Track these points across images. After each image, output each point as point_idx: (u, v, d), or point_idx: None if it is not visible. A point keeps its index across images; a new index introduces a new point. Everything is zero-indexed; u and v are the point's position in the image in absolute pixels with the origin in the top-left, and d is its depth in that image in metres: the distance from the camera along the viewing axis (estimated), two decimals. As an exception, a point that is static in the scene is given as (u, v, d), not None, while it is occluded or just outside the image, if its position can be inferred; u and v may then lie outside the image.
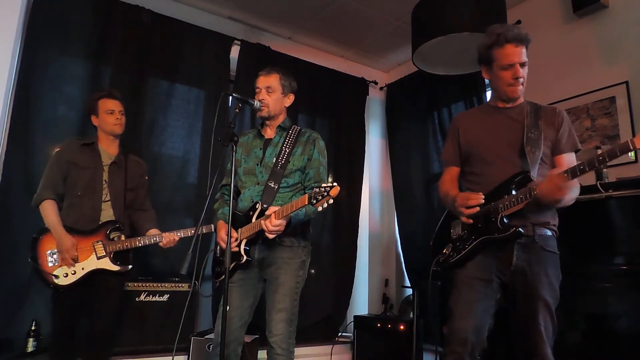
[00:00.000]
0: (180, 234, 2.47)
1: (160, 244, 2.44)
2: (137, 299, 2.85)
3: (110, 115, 2.45)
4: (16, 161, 2.74)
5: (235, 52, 3.68)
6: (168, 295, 2.94)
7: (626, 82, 2.72)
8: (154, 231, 2.50)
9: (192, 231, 2.47)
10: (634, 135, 2.61)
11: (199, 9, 3.66)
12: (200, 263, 2.09)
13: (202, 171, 3.40)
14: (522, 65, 1.87)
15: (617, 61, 2.81)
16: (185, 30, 3.48)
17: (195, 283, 1.95)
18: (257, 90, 2.19)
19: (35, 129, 2.85)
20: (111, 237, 2.37)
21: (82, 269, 2.28)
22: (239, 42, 3.70)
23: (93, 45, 3.13)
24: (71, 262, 2.25)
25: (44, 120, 2.88)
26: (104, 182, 2.41)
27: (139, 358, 2.76)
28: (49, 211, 2.28)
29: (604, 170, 2.46)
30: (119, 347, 2.72)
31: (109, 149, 2.49)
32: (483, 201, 1.84)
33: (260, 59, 3.67)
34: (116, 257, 2.35)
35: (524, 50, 1.86)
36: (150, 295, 2.89)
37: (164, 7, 3.41)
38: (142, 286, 2.89)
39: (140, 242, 2.40)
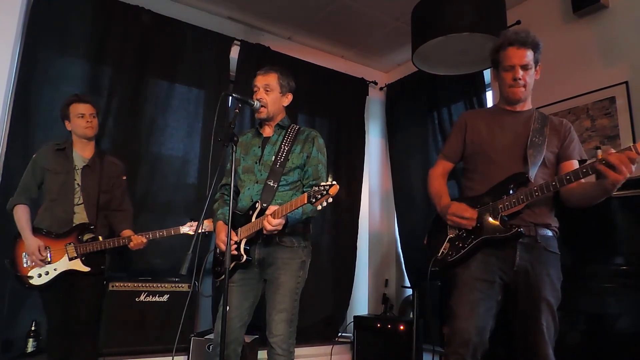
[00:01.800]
0: (149, 235, 2.51)
1: (129, 245, 2.48)
2: (137, 299, 2.85)
3: (81, 119, 2.50)
4: (16, 161, 2.73)
5: (235, 52, 3.68)
6: (168, 295, 2.94)
7: (626, 83, 2.72)
8: (127, 232, 2.54)
9: (161, 233, 2.51)
10: (633, 135, 2.64)
11: (199, 9, 3.66)
12: (200, 263, 2.09)
13: (202, 171, 3.40)
14: (524, 67, 1.88)
15: (617, 61, 2.81)
16: (185, 31, 3.48)
17: (195, 283, 1.95)
18: (255, 89, 2.19)
19: (35, 129, 2.86)
20: (84, 239, 2.43)
21: (55, 269, 2.38)
22: (239, 42, 3.70)
23: (93, 46, 3.13)
24: (40, 263, 2.34)
25: (44, 121, 2.88)
26: (76, 186, 2.46)
27: (139, 358, 2.76)
28: (20, 215, 2.39)
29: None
30: (119, 347, 2.73)
31: (83, 153, 2.55)
32: (475, 217, 1.86)
33: (260, 59, 3.67)
34: (88, 259, 2.42)
35: (527, 53, 1.87)
36: (150, 296, 2.89)
37: (164, 8, 3.41)
38: (142, 286, 2.89)
39: (109, 243, 2.46)
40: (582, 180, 1.68)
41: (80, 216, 2.45)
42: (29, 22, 2.91)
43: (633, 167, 1.54)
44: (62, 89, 2.95)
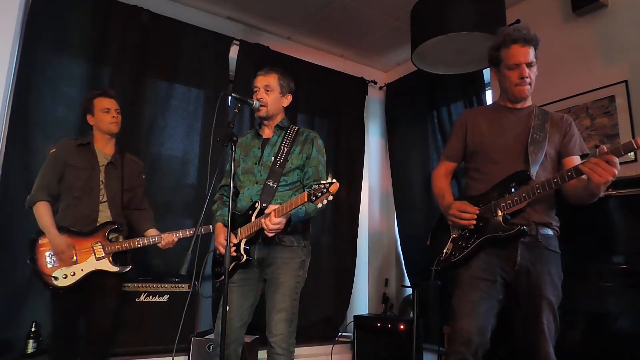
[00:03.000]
0: (179, 234, 2.47)
1: (159, 244, 2.44)
2: (137, 300, 2.85)
3: (106, 114, 2.44)
4: (15, 162, 2.73)
5: (234, 52, 3.67)
6: (168, 295, 2.94)
7: (625, 81, 2.72)
8: (152, 231, 2.50)
9: (191, 232, 2.47)
10: (633, 134, 2.64)
11: (198, 9, 3.65)
12: (200, 263, 2.09)
13: (202, 171, 3.40)
14: (529, 65, 1.88)
15: (617, 60, 2.81)
16: (184, 31, 3.47)
17: (195, 283, 1.94)
18: (256, 89, 2.19)
19: (34, 129, 2.85)
20: (110, 238, 2.37)
21: (82, 270, 2.29)
22: (238, 42, 3.70)
23: (92, 46, 3.12)
24: (70, 261, 2.25)
25: (43, 121, 2.87)
26: (100, 183, 2.40)
27: (139, 358, 2.76)
28: (43, 213, 2.27)
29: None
30: (119, 348, 2.72)
31: (105, 149, 2.49)
32: (475, 215, 1.87)
33: (259, 58, 3.66)
34: (115, 258, 2.36)
35: (530, 50, 1.87)
36: (151, 296, 2.89)
37: (163, 7, 3.41)
38: (142, 287, 2.89)
39: (139, 242, 2.39)
40: (584, 177, 1.68)
41: (104, 214, 2.38)
42: (28, 22, 2.90)
43: (616, 170, 1.57)
44: (62, 89, 2.95)
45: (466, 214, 1.88)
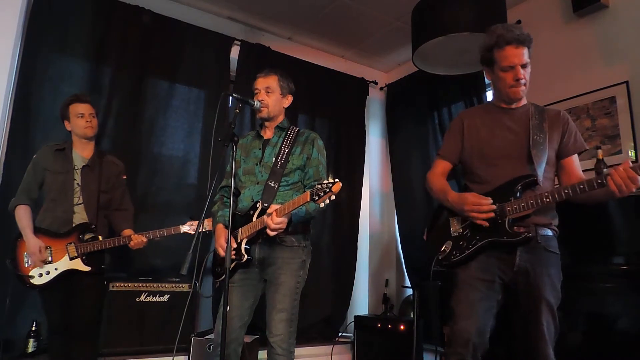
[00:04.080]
0: (149, 235, 2.51)
1: (130, 244, 2.49)
2: (137, 299, 2.85)
3: (80, 119, 2.50)
4: (16, 162, 2.74)
5: (235, 52, 3.68)
6: (168, 295, 2.94)
7: (626, 82, 2.72)
8: (128, 231, 2.55)
9: (162, 232, 2.52)
10: (634, 135, 2.64)
11: (199, 9, 3.66)
12: (200, 263, 2.09)
13: (202, 172, 3.40)
14: (524, 66, 1.85)
15: (617, 61, 2.81)
16: (185, 31, 3.48)
17: (195, 283, 1.95)
18: (256, 91, 2.20)
19: (35, 129, 2.86)
20: (85, 239, 2.44)
21: (56, 269, 2.39)
22: (239, 43, 3.70)
23: (93, 46, 3.13)
24: (40, 263, 2.34)
25: (44, 121, 2.88)
26: (76, 186, 2.47)
27: (139, 358, 2.76)
28: (21, 216, 2.40)
29: (604, 169, 2.46)
30: (120, 347, 2.73)
31: (83, 152, 2.55)
32: (494, 207, 1.80)
33: (260, 59, 3.67)
34: (89, 258, 2.42)
35: (525, 51, 1.84)
36: (151, 296, 2.89)
37: (164, 8, 3.42)
38: (143, 286, 2.89)
39: (109, 243, 2.46)
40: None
41: (80, 216, 2.46)
42: (29, 22, 2.91)
43: (629, 153, 1.56)
44: (63, 89, 2.95)
45: (484, 206, 1.80)
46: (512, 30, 1.85)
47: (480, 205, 1.82)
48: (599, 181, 1.60)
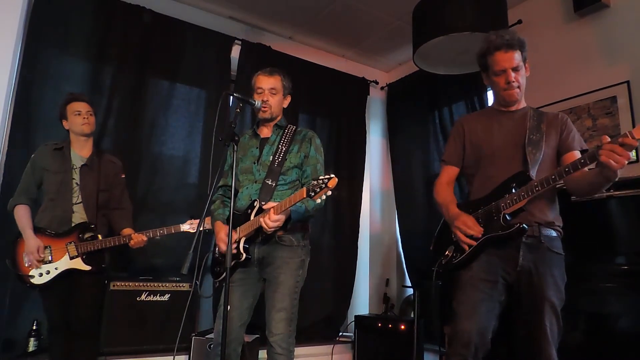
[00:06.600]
0: (149, 234, 2.52)
1: (130, 243, 2.49)
2: (138, 299, 2.85)
3: (77, 117, 2.51)
4: (17, 162, 2.73)
5: (236, 51, 3.68)
6: (169, 295, 2.94)
7: (627, 82, 2.72)
8: (127, 230, 2.55)
9: (161, 231, 2.52)
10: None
11: (200, 8, 3.66)
12: (201, 263, 2.09)
13: (203, 171, 3.40)
14: (515, 69, 1.88)
15: (618, 61, 2.80)
16: (186, 30, 3.48)
17: (196, 283, 1.95)
18: (260, 90, 2.19)
19: (36, 129, 2.86)
20: (84, 238, 2.44)
21: (56, 268, 2.39)
22: (240, 42, 3.70)
23: (94, 45, 3.13)
24: (37, 263, 2.34)
25: (45, 121, 2.87)
26: (74, 185, 2.47)
27: (139, 358, 2.77)
28: (20, 215, 2.41)
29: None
30: (120, 347, 2.73)
31: (81, 151, 2.55)
32: (480, 235, 1.85)
33: (261, 58, 3.67)
34: (89, 258, 2.43)
35: (515, 54, 1.86)
36: (151, 295, 2.89)
37: (165, 7, 3.41)
38: (143, 286, 2.89)
39: (109, 242, 2.46)
40: (586, 169, 1.67)
41: (79, 215, 2.46)
42: (30, 22, 2.91)
43: (631, 153, 1.53)
44: (63, 89, 2.95)
45: (469, 230, 1.86)
46: (503, 35, 1.89)
47: (468, 227, 1.86)
48: (582, 161, 1.61)
